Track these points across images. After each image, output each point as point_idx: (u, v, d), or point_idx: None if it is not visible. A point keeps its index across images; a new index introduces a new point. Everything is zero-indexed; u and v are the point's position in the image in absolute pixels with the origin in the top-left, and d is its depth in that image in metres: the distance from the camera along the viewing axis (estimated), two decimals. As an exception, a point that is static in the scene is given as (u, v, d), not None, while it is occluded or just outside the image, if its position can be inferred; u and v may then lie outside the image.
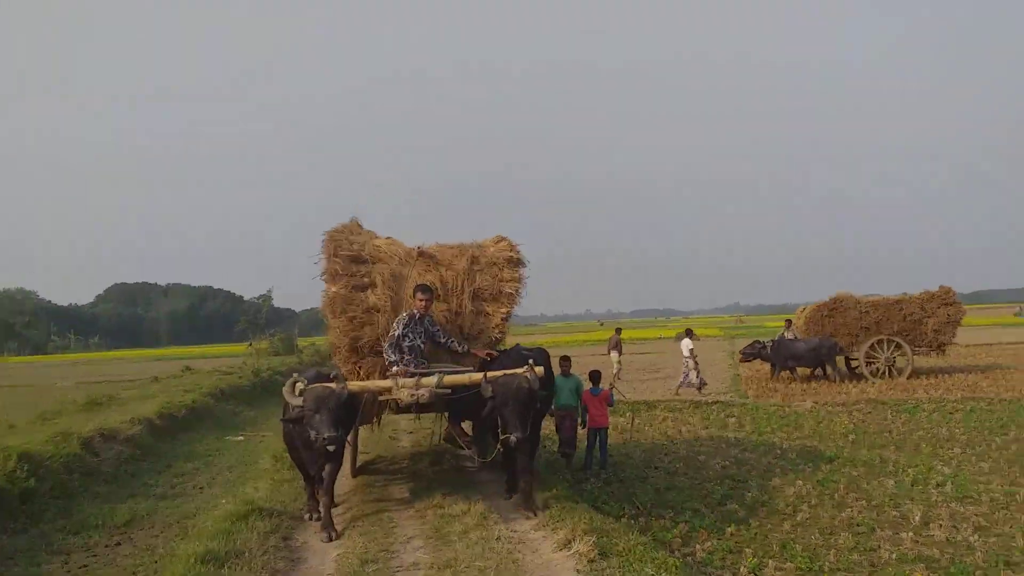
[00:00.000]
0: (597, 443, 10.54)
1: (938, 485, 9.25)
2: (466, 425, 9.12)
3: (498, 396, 7.21)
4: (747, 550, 7.02)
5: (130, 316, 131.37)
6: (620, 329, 26.07)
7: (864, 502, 8.63)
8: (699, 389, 18.52)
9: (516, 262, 9.04)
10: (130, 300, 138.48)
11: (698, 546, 7.15)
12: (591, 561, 5.39)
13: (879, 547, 7.03)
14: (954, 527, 7.57)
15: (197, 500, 10.12)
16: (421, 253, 8.86)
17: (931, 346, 20.67)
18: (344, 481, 8.88)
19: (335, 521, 7.20)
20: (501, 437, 7.39)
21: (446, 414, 9.08)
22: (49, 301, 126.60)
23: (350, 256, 8.52)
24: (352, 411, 7.58)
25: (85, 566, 7.60)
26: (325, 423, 6.74)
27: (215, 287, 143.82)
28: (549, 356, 8.86)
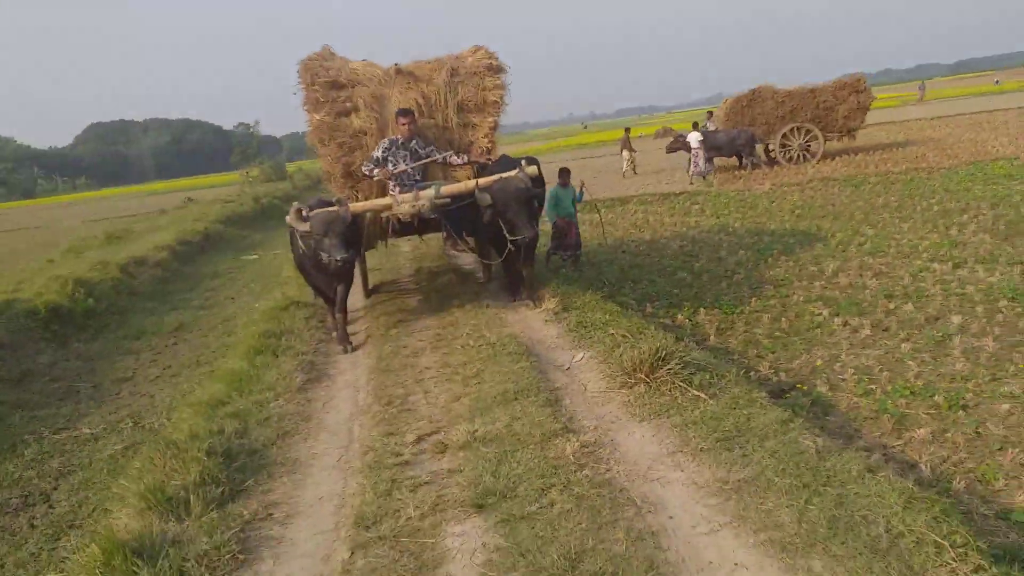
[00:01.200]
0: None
1: (859, 245, 10.87)
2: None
3: (497, 201, 7.34)
4: (686, 304, 8.80)
5: (113, 155, 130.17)
6: (629, 128, 26.93)
7: (792, 263, 10.28)
8: (703, 176, 20.64)
9: (496, 69, 8.91)
10: (109, 139, 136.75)
11: (648, 305, 8.91)
12: (556, 313, 7.13)
13: (792, 294, 8.78)
14: (859, 275, 9.24)
15: (231, 308, 11.89)
16: (399, 71, 8.78)
17: (841, 131, 21.70)
18: (359, 302, 9.63)
19: (353, 333, 7.85)
20: (510, 239, 7.45)
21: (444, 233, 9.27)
22: (28, 146, 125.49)
23: (328, 82, 8.51)
24: (357, 232, 7.83)
25: (154, 360, 9.44)
26: (336, 245, 6.90)
27: (193, 119, 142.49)
28: (539, 162, 8.99)
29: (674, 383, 4.78)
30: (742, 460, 3.78)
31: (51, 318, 10.70)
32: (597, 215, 14.09)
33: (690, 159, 21.32)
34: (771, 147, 22.15)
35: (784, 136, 21.53)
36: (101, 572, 3.27)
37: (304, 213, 7.16)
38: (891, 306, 7.81)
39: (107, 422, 7.22)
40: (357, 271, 9.16)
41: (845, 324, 7.41)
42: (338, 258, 6.85)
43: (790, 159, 21.48)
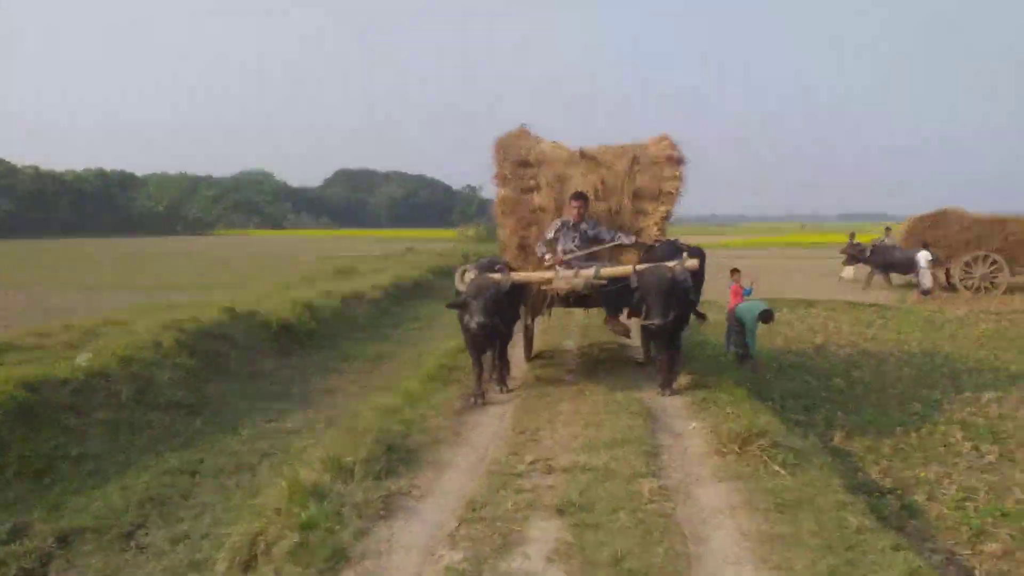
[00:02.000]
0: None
1: (1030, 379, 10.66)
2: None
3: (643, 285, 7.65)
4: (828, 405, 9.21)
5: (354, 199, 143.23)
6: (853, 234, 26.26)
7: (952, 387, 10.25)
8: (924, 294, 20.12)
9: (677, 160, 9.07)
10: (353, 185, 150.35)
11: (791, 401, 9.42)
12: (687, 388, 7.95)
13: (936, 414, 8.91)
14: (1016, 407, 9.08)
15: (425, 346, 13.50)
16: (583, 154, 9.09)
17: None
18: (517, 367, 9.83)
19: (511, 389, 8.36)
20: (643, 323, 7.93)
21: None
22: (284, 183, 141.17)
23: (517, 161, 9.02)
24: (516, 300, 8.40)
25: (354, 380, 11.12)
26: (477, 310, 7.35)
27: (427, 176, 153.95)
28: (705, 254, 9.12)
29: (761, 457, 5.52)
30: (789, 521, 4.50)
31: (280, 332, 12.80)
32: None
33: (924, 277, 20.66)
34: (951, 272, 21.29)
35: (967, 263, 20.62)
36: (286, 500, 4.59)
37: (467, 276, 7.83)
38: (1030, 439, 7.88)
39: (307, 421, 8.81)
40: (521, 335, 9.83)
41: (974, 448, 7.58)
42: (474, 323, 7.39)
43: (971, 288, 20.48)
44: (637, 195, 9.01)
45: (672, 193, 9.02)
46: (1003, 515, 5.85)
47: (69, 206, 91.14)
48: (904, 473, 6.94)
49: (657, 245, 8.75)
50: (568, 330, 13.56)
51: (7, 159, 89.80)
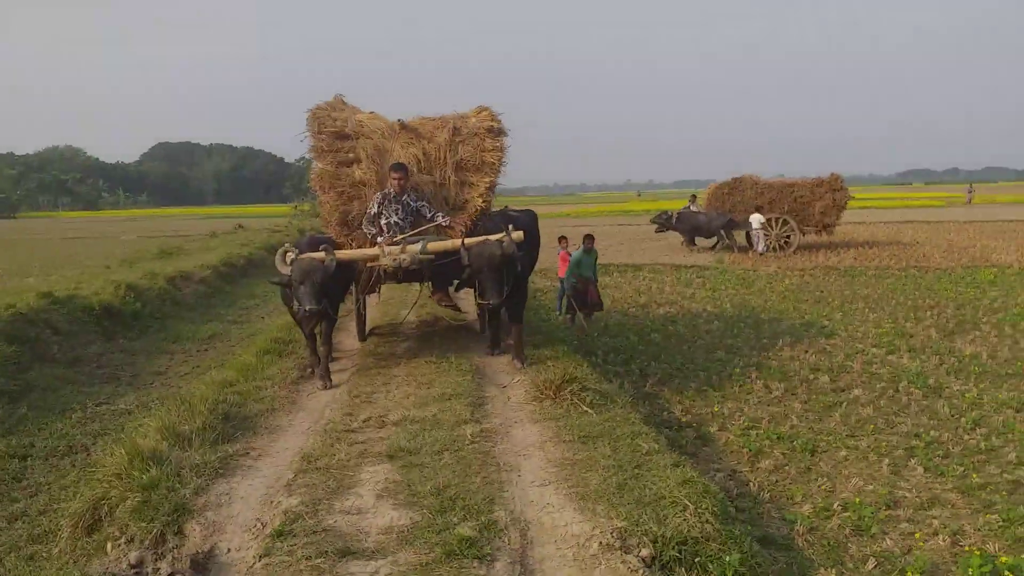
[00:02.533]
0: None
1: (821, 327, 12.04)
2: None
3: (474, 263, 7.53)
4: (643, 358, 10.12)
5: (175, 175, 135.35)
6: (695, 196, 27.14)
7: (752, 335, 11.56)
8: (761, 253, 21.94)
9: (497, 131, 9.02)
10: (174, 159, 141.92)
11: (613, 355, 10.26)
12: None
13: (736, 359, 10.03)
14: (804, 351, 10.39)
15: (259, 324, 13.44)
16: (403, 126, 8.92)
17: (818, 226, 23.03)
18: (351, 344, 9.89)
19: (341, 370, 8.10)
20: (478, 302, 8.00)
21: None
22: (97, 159, 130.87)
23: (334, 132, 8.72)
24: (344, 280, 8.17)
25: (186, 360, 10.98)
26: (308, 295, 7.09)
27: (256, 148, 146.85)
28: (536, 217, 9.30)
29: (571, 400, 6.18)
30: (590, 449, 5.17)
31: (103, 315, 12.30)
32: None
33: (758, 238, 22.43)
34: (749, 234, 23.32)
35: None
36: (126, 467, 4.74)
37: (289, 257, 7.53)
38: (811, 377, 9.06)
39: (140, 401, 8.69)
40: (354, 313, 9.78)
41: (765, 386, 8.68)
42: (307, 308, 7.11)
43: (768, 248, 22.54)
44: (460, 167, 8.89)
45: (495, 164, 8.93)
46: (778, 438, 6.85)
47: None
48: (703, 410, 7.89)
49: (491, 215, 8.76)
50: (406, 302, 13.85)
51: None
